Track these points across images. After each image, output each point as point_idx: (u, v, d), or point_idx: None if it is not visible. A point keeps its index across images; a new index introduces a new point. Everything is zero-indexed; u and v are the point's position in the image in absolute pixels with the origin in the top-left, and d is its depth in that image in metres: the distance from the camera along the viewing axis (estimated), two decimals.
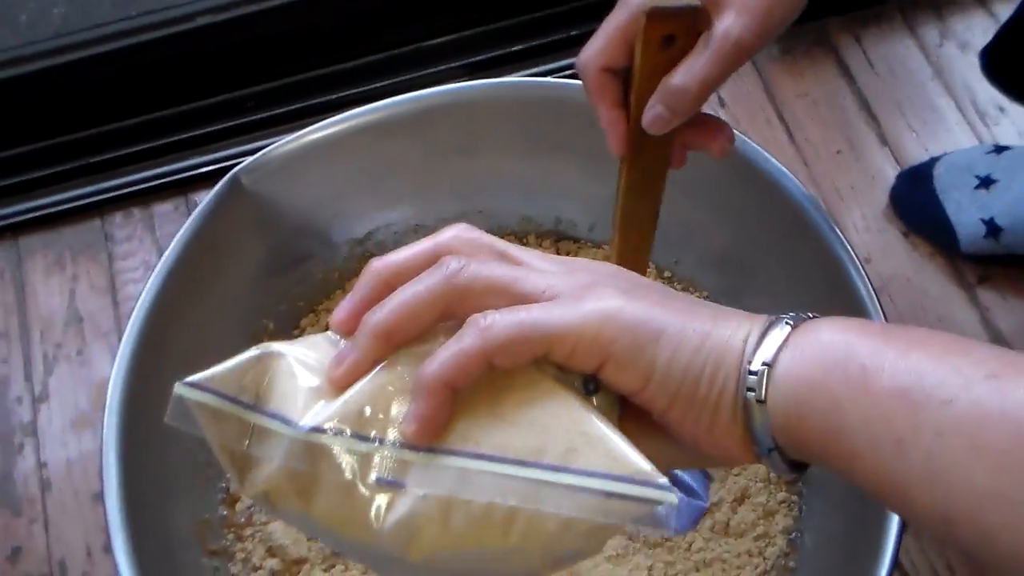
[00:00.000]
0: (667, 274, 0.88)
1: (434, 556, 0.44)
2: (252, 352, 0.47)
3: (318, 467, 0.44)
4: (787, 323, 0.43)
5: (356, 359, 0.45)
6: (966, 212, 0.95)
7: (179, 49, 1.08)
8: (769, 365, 0.42)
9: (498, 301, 0.44)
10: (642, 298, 0.44)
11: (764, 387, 0.42)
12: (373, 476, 0.44)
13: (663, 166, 0.63)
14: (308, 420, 0.45)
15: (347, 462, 0.44)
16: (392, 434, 0.44)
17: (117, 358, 0.71)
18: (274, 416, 0.45)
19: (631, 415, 0.46)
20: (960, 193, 0.96)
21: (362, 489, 0.44)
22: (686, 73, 0.58)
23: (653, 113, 0.59)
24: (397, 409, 0.44)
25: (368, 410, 0.45)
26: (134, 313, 0.73)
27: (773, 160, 0.77)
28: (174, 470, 0.75)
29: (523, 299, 0.44)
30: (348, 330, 0.46)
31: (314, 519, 0.45)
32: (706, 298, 0.87)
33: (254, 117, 1.11)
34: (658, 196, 0.64)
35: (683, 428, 0.44)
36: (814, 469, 0.69)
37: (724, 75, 0.58)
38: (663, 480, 0.41)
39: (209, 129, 1.10)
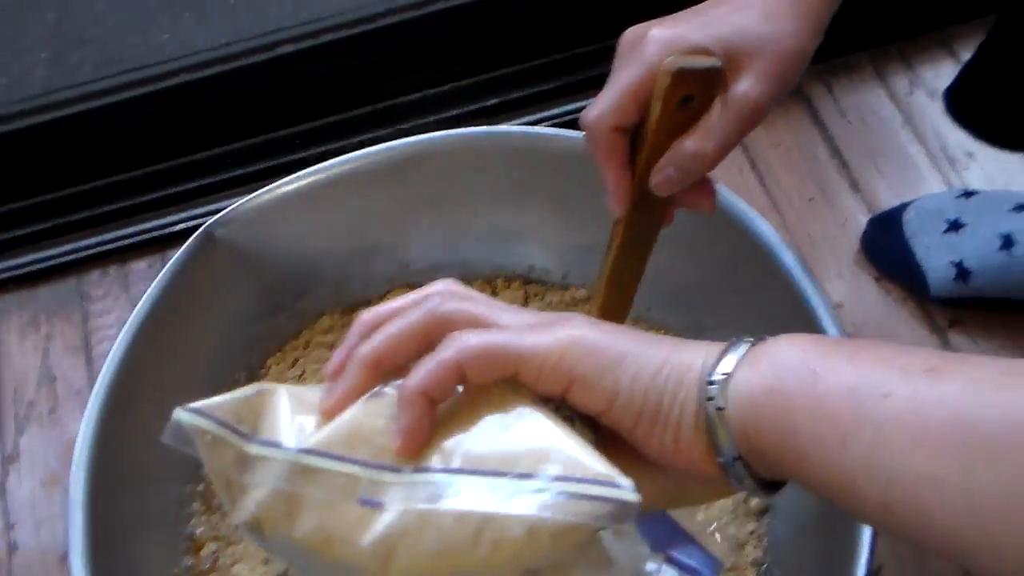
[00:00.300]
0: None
1: (410, 568, 0.45)
2: (251, 388, 0.50)
3: (305, 489, 0.47)
4: (746, 342, 0.46)
5: (346, 388, 0.49)
6: (936, 256, 0.96)
7: (159, 108, 1.09)
8: (728, 376, 0.44)
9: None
10: (605, 329, 0.47)
11: (723, 396, 0.44)
12: (356, 497, 0.46)
13: (657, 226, 0.63)
14: (298, 443, 0.47)
15: (332, 483, 0.47)
16: (376, 456, 0.47)
17: (85, 413, 0.71)
18: (267, 443, 0.48)
19: (612, 457, 0.46)
20: (929, 237, 0.97)
21: (345, 509, 0.46)
22: (704, 137, 0.57)
23: (664, 175, 0.58)
24: (382, 433, 0.47)
25: (354, 435, 0.47)
26: (104, 368, 0.73)
27: (743, 203, 0.78)
28: (142, 523, 0.75)
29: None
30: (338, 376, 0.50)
31: (298, 542, 0.47)
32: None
33: (233, 174, 1.12)
34: (647, 256, 0.64)
35: (650, 445, 0.46)
36: (782, 501, 0.69)
37: (740, 139, 0.58)
38: (625, 481, 0.43)
39: (188, 187, 1.11)
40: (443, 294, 0.50)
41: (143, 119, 1.09)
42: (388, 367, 0.49)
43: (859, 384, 0.42)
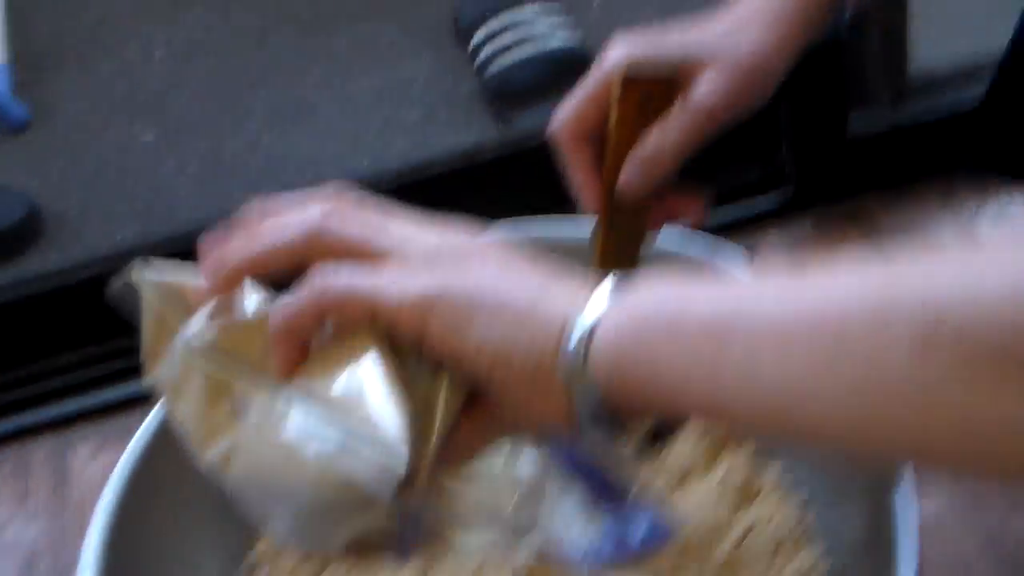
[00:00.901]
0: None
1: (240, 478, 0.49)
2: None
3: (185, 379, 0.50)
4: (611, 290, 0.44)
5: (212, 287, 0.51)
6: None
7: None
8: (589, 333, 0.43)
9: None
10: (471, 274, 0.46)
11: (583, 355, 0.43)
12: (229, 398, 0.49)
13: (638, 236, 0.63)
14: (187, 334, 0.50)
15: (205, 382, 0.50)
16: (257, 360, 0.49)
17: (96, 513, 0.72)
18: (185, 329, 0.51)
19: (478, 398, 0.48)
20: None
21: (215, 408, 0.49)
22: (658, 139, 0.59)
23: (627, 175, 0.60)
24: (261, 346, 0.49)
25: (242, 335, 0.50)
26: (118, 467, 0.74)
27: None
28: None
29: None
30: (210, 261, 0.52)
31: (178, 423, 0.52)
32: None
33: None
34: (632, 268, 0.64)
35: (505, 399, 0.46)
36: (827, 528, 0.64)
37: (696, 142, 0.61)
38: (401, 450, 0.44)
39: None
40: (331, 209, 0.49)
41: None
42: (258, 275, 0.50)
43: (722, 312, 0.40)
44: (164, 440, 0.75)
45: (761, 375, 0.38)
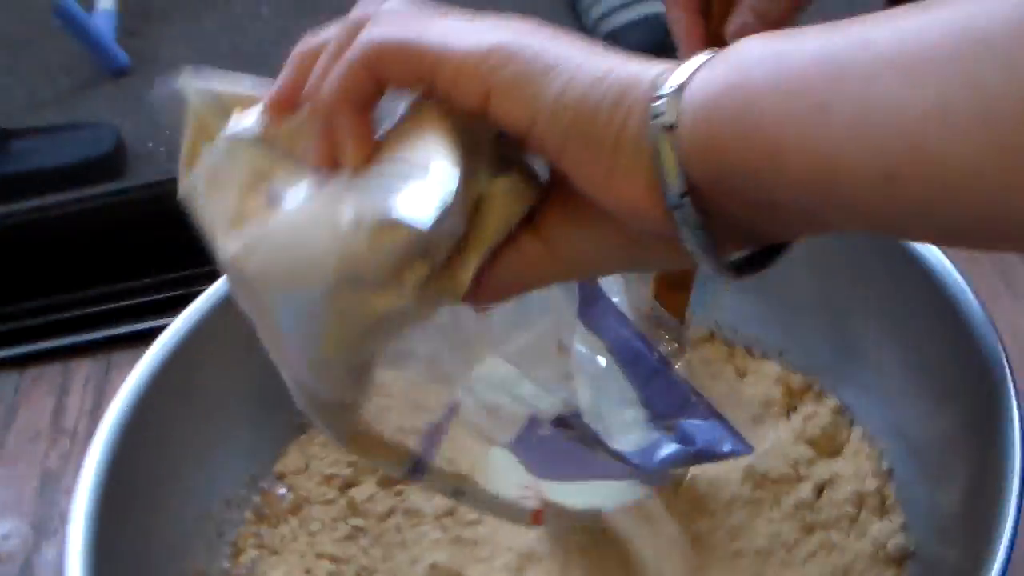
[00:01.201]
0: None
1: (260, 271, 0.42)
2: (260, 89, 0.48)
3: (224, 169, 0.45)
4: (710, 52, 0.39)
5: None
6: None
7: None
8: (681, 86, 0.38)
9: None
10: (544, 36, 0.41)
11: (674, 109, 0.37)
12: (264, 191, 0.44)
13: None
14: (234, 128, 0.46)
15: (244, 170, 0.45)
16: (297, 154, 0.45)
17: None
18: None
19: (557, 205, 0.43)
20: None
21: (246, 198, 0.44)
22: None
23: (740, 21, 0.53)
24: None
25: (287, 140, 0.45)
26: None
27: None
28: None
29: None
30: (283, 109, 0.46)
31: (206, 219, 0.46)
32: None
33: None
34: None
35: (579, 175, 0.40)
36: (924, 551, 0.56)
37: None
38: (446, 163, 0.39)
39: None
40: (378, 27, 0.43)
41: None
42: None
43: (831, 45, 0.35)
44: (190, 346, 0.72)
45: (880, 106, 0.33)
